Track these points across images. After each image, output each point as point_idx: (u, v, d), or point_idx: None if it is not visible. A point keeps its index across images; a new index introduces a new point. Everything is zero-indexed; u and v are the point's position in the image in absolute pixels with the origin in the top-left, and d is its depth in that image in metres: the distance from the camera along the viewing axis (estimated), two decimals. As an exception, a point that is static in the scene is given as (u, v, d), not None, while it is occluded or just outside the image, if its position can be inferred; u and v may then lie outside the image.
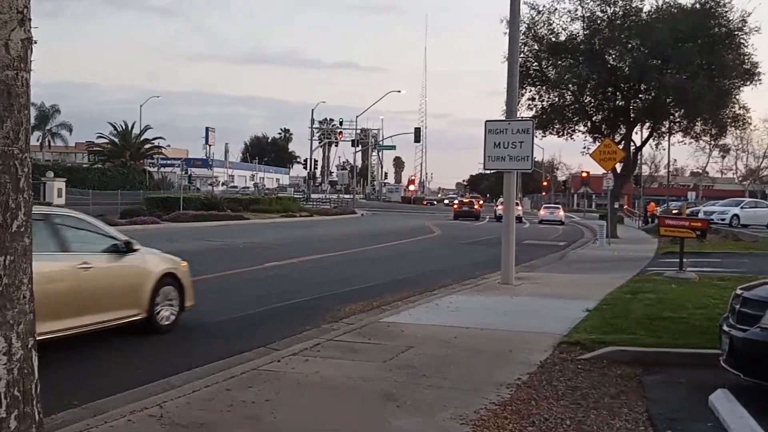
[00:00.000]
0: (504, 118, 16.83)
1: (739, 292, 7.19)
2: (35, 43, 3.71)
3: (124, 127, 65.47)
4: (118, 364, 8.30)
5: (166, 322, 10.05)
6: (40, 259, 5.94)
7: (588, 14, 33.33)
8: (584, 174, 74.10)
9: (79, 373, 7.80)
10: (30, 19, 3.66)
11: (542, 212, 61.17)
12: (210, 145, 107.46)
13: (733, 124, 34.02)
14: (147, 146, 67.85)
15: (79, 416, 5.91)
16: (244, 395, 6.43)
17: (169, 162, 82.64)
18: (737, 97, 32.94)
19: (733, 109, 33.17)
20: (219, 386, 6.75)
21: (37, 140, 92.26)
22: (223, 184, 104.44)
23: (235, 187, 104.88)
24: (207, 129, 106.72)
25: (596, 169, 44.31)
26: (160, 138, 71.63)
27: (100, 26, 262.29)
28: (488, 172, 18.96)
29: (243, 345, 9.00)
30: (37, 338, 4.87)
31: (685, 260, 17.18)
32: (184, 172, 58.64)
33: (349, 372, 7.40)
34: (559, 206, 65.91)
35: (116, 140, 65.03)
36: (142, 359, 8.53)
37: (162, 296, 10.01)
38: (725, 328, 7.05)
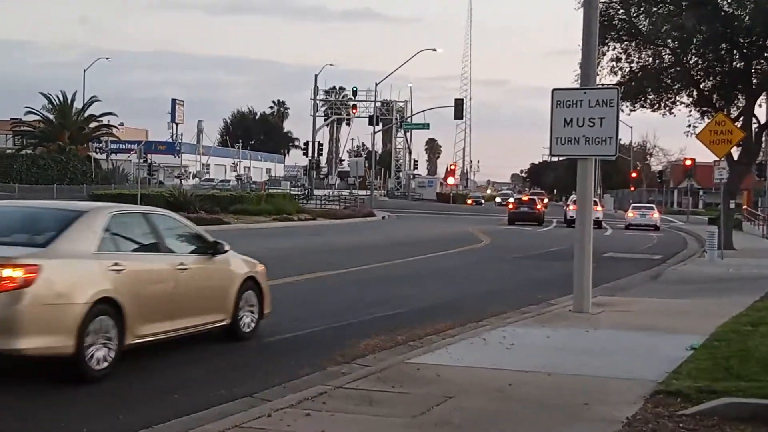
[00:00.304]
0: (578, 86, 16.75)
1: None
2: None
3: (62, 99, 65.75)
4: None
5: (247, 330, 12.57)
6: (145, 260, 9.83)
7: (694, -58, 33.16)
8: (688, 162, 73.81)
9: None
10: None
11: (630, 214, 61.82)
12: (177, 124, 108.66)
13: None
14: (93, 125, 68.37)
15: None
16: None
17: (122, 146, 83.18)
18: None
19: None
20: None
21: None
22: (195, 176, 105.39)
23: (212, 180, 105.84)
24: (173, 102, 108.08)
25: (705, 156, 43.99)
26: (110, 114, 72.14)
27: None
28: (556, 159, 18.97)
29: (222, 393, 9.03)
30: (143, 340, 8.40)
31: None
32: (142, 161, 58.94)
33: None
34: (653, 206, 66.37)
35: (51, 117, 65.34)
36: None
37: (244, 301, 12.50)
38: None
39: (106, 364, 9.81)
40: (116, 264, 10.29)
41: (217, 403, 8.57)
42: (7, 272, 9.19)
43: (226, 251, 12.33)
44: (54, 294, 9.48)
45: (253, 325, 12.70)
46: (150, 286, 10.84)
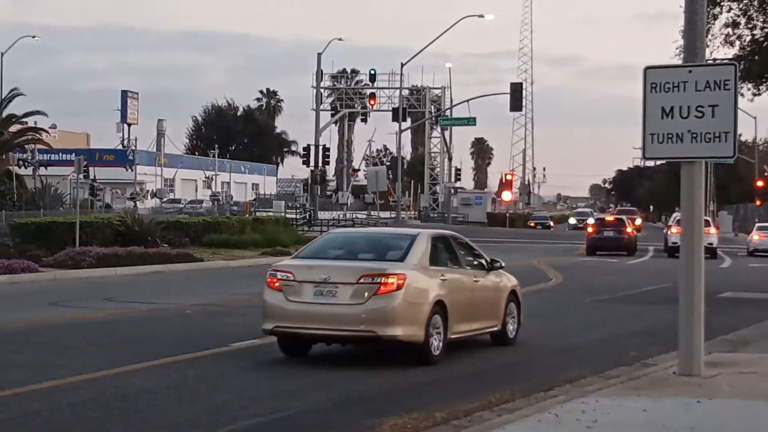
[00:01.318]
0: (680, 64, 16.73)
1: None
2: None
3: (-27, 94, 66.26)
4: None
5: (511, 336, 20.33)
6: (456, 272, 18.61)
7: None
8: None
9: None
10: None
11: (755, 237, 63.62)
12: (130, 125, 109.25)
13: None
14: (14, 129, 68.84)
15: None
16: None
17: (55, 158, 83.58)
18: None
19: None
20: None
21: None
22: (154, 195, 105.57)
23: (178, 201, 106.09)
24: (123, 94, 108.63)
25: None
26: (38, 113, 72.56)
27: None
28: (652, 164, 19.21)
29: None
30: (455, 336, 17.77)
31: None
32: (83, 176, 59.23)
33: None
34: None
35: (-45, 118, 65.85)
36: None
37: (509, 310, 20.26)
38: None
39: (438, 352, 17.44)
40: (442, 275, 18.21)
41: None
42: (389, 280, 16.90)
43: (500, 267, 20.32)
44: (414, 295, 17.15)
45: (514, 332, 20.38)
46: (460, 294, 18.54)
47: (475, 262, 19.89)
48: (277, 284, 17.51)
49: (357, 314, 16.71)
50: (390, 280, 16.67)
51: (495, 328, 19.46)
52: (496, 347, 19.72)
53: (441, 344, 17.22)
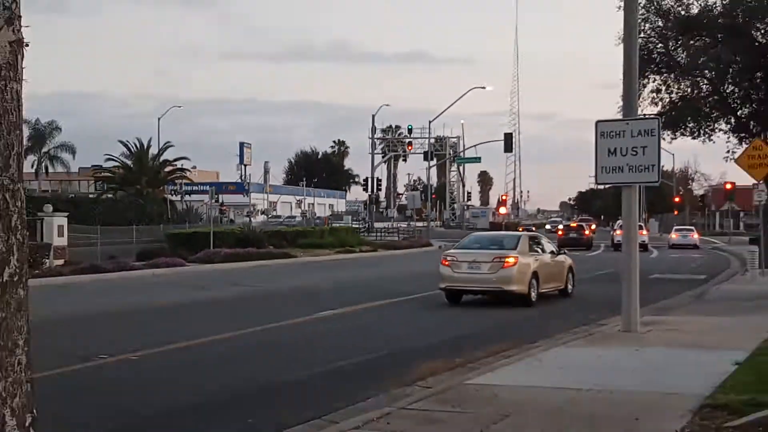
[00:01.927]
0: (621, 118, 16.67)
1: None
2: (27, 46, 3.80)
3: (138, 146, 66.67)
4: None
5: (570, 291, 24.44)
6: (541, 255, 23.28)
7: (728, -22, 32.96)
8: (728, 186, 72.70)
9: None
10: (20, 17, 3.76)
11: (673, 236, 66.40)
12: (245, 165, 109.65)
13: None
14: (168, 169, 69.09)
15: None
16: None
17: (195, 188, 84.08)
18: None
19: None
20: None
21: (32, 166, 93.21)
22: (263, 213, 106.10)
23: (279, 216, 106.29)
24: (241, 145, 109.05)
25: (745, 179, 43.29)
26: (183, 158, 72.80)
27: (109, 24, 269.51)
28: (602, 187, 20.14)
29: (292, 416, 9.08)
30: (542, 291, 22.47)
31: None
32: (214, 201, 59.65)
33: (427, 450, 7.40)
34: (693, 228, 70.98)
35: (129, 163, 66.23)
36: None
37: (568, 277, 24.51)
38: None
39: (533, 298, 21.63)
40: (535, 257, 22.61)
41: (287, 425, 8.60)
42: (509, 260, 21.33)
43: (563, 253, 25.16)
44: (522, 267, 21.47)
45: (571, 290, 24.52)
46: (544, 267, 22.78)
47: (550, 250, 24.24)
48: (446, 263, 22.04)
49: (492, 278, 21.41)
50: (510, 260, 21.39)
51: (561, 287, 24.00)
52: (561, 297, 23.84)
53: (535, 295, 21.83)
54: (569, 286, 24.40)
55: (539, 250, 23.46)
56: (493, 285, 21.61)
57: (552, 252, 24.13)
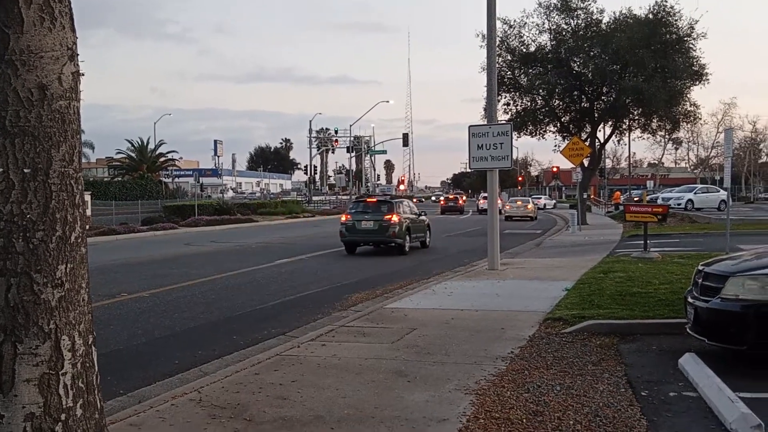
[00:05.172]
0: (485, 123, 16.91)
1: (700, 267, 7.31)
2: (83, 75, 3.76)
3: (140, 143, 65.30)
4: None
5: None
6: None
7: (554, 27, 33.63)
8: (555, 169, 74.61)
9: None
10: (78, 54, 3.71)
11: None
12: (219, 156, 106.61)
13: (685, 120, 34.35)
14: (162, 159, 67.61)
15: (125, 403, 5.98)
16: (271, 378, 6.50)
17: (182, 173, 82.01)
18: (688, 95, 33.22)
19: (684, 107, 33.46)
20: (248, 371, 6.81)
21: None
22: (232, 190, 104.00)
23: (243, 193, 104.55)
24: (215, 141, 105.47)
25: (565, 164, 44.37)
26: (173, 151, 71.42)
27: (119, 53, 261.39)
28: (471, 170, 19.68)
29: (264, 333, 9.07)
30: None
31: (648, 242, 17.32)
32: (196, 182, 58.40)
33: (362, 353, 7.47)
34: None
35: (134, 155, 64.79)
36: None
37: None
38: (690, 299, 7.17)
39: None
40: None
41: (261, 339, 8.59)
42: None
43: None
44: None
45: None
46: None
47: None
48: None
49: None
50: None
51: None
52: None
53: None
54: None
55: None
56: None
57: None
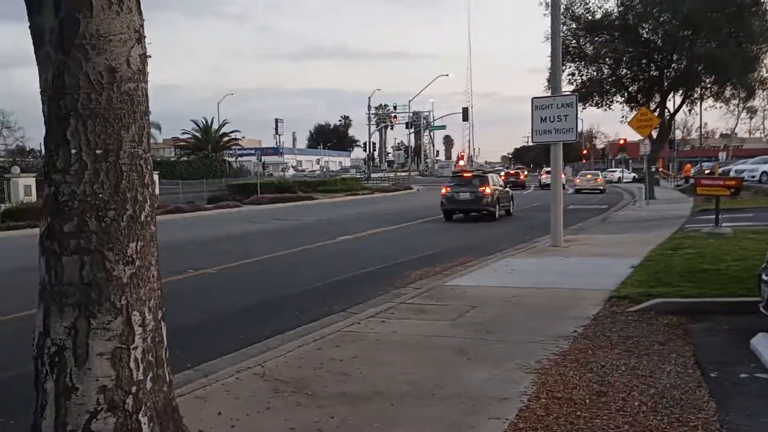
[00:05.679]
0: (549, 95, 16.64)
1: (776, 244, 7.07)
2: (150, 57, 3.86)
3: (204, 123, 66.49)
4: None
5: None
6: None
7: (621, -9, 32.59)
8: (622, 141, 72.67)
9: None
10: (145, 37, 3.82)
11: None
12: (279, 135, 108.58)
13: (761, 87, 33.23)
14: (225, 139, 68.71)
15: (192, 377, 6.20)
16: (332, 353, 6.64)
17: (245, 152, 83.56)
18: (765, 61, 31.94)
19: (760, 73, 32.31)
20: (310, 347, 6.97)
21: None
22: (292, 168, 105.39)
23: (303, 171, 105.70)
24: (276, 120, 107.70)
25: (633, 136, 43.25)
26: (236, 131, 72.37)
27: (181, 34, 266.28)
28: (534, 144, 19.81)
29: (326, 310, 9.24)
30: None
31: (720, 216, 16.81)
32: (258, 160, 59.33)
33: (422, 330, 7.54)
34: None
35: (198, 135, 66.05)
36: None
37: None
38: (764, 277, 6.94)
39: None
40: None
41: (324, 315, 8.76)
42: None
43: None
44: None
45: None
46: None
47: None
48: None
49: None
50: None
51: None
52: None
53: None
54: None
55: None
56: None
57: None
